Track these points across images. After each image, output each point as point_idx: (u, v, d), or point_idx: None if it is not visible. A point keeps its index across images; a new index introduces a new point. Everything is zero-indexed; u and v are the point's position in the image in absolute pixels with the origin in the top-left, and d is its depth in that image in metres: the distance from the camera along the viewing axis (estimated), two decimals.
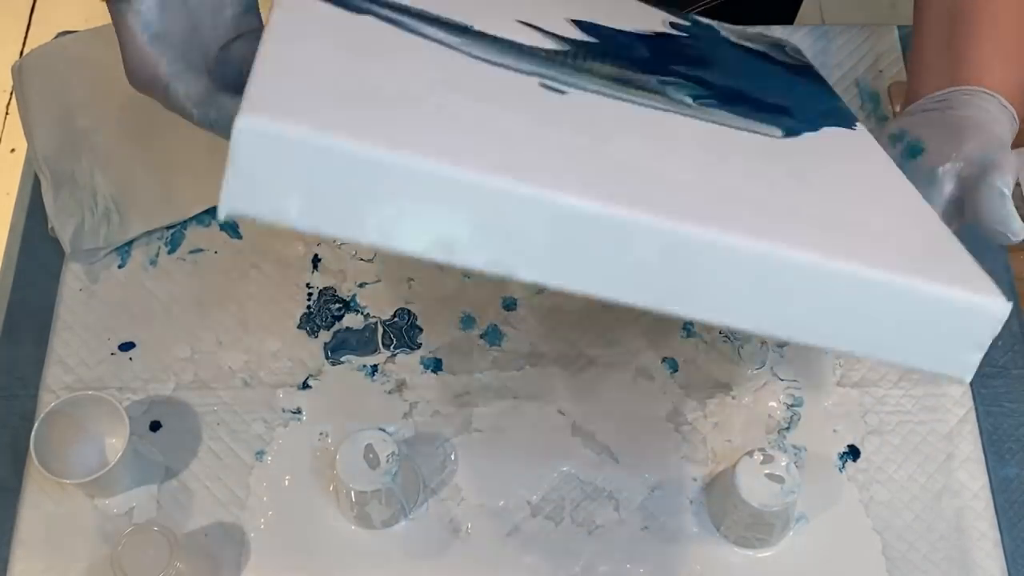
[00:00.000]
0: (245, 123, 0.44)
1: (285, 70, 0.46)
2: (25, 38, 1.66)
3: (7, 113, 1.58)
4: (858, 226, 0.49)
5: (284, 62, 0.47)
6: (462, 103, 0.49)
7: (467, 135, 0.47)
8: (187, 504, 0.72)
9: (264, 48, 0.47)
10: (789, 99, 0.64)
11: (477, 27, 0.56)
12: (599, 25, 0.62)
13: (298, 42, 0.49)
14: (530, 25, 0.60)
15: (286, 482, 0.72)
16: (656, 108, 0.55)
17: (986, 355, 0.76)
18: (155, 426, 0.74)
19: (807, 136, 0.59)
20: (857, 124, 0.64)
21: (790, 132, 0.58)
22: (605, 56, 0.60)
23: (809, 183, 0.52)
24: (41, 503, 0.72)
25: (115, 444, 0.71)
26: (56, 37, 0.86)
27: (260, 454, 0.73)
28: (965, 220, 0.60)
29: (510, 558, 0.70)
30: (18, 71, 0.84)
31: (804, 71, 0.70)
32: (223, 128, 0.56)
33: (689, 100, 0.58)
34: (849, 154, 0.60)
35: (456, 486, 0.72)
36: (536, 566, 0.70)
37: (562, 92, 0.54)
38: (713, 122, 0.56)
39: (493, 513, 0.71)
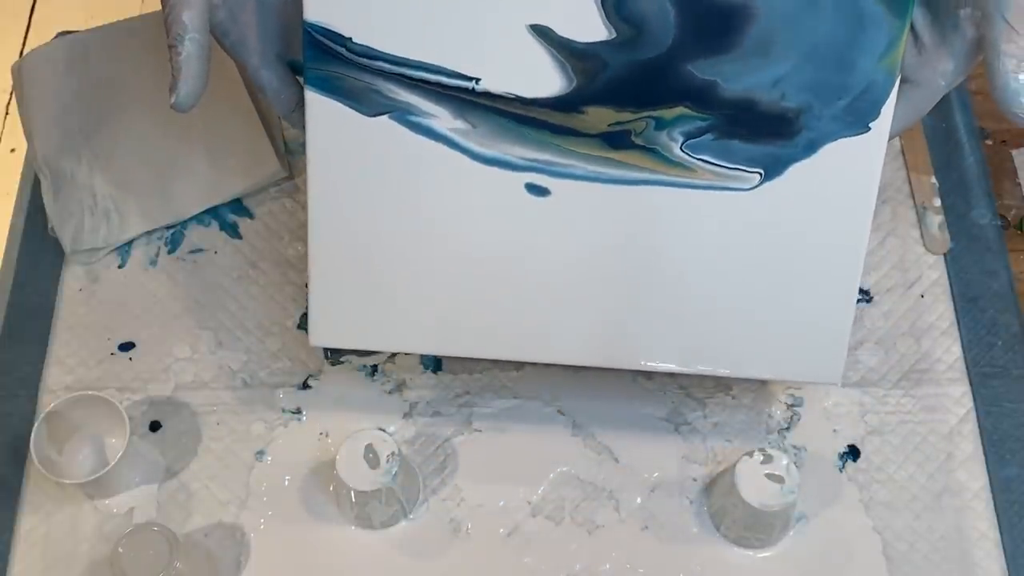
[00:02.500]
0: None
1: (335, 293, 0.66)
2: (25, 38, 1.66)
3: (7, 113, 1.58)
4: (749, 330, 0.66)
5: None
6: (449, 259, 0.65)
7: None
8: (187, 504, 0.72)
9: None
10: (816, 83, 0.61)
11: (481, 84, 0.62)
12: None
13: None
14: (543, 34, 0.61)
15: (286, 482, 0.72)
16: (636, 184, 0.63)
17: (986, 355, 0.77)
18: (155, 426, 0.74)
19: (788, 174, 0.62)
20: (877, 120, 0.61)
21: (772, 171, 0.63)
22: (611, 91, 0.61)
23: (738, 277, 0.65)
24: (41, 503, 0.72)
25: (115, 444, 0.71)
26: (56, 37, 0.86)
27: (260, 454, 0.73)
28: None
29: (510, 558, 0.70)
30: (18, 71, 0.84)
31: None
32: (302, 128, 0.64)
33: (677, 147, 0.62)
34: (818, 199, 0.63)
35: (456, 486, 0.72)
36: (536, 566, 0.70)
37: (546, 193, 0.64)
38: (686, 185, 0.63)
39: (493, 513, 0.71)
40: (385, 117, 0.63)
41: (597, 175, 0.63)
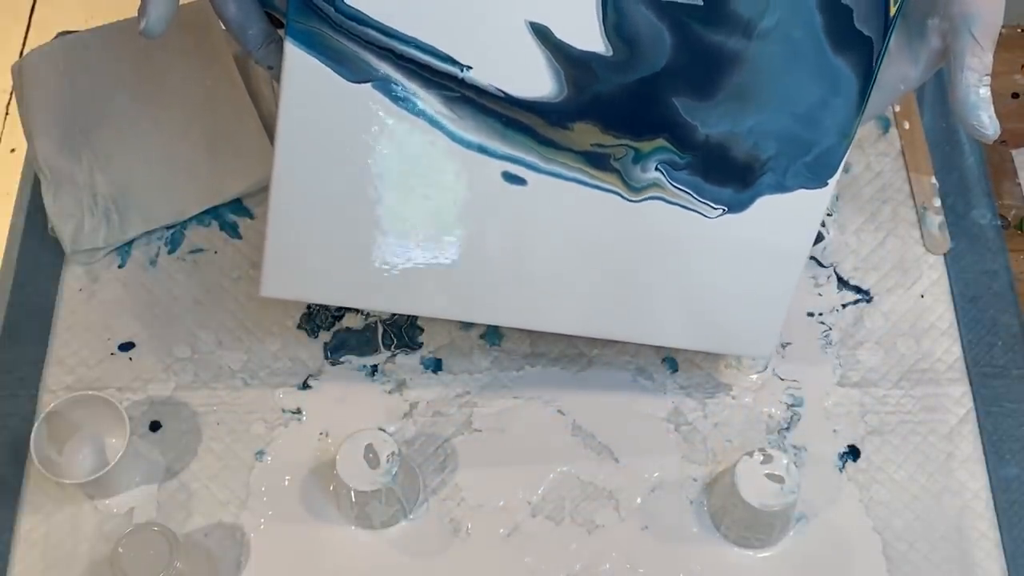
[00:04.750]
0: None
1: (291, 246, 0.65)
2: (25, 38, 1.65)
3: (7, 113, 1.58)
4: (696, 311, 0.69)
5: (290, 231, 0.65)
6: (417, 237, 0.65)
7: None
8: (187, 504, 0.72)
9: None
10: (787, 136, 0.64)
11: (472, 73, 0.61)
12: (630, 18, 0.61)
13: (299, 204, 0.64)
14: (541, 34, 0.60)
15: (286, 482, 0.72)
16: (609, 191, 0.65)
17: (986, 355, 0.77)
18: (155, 426, 0.74)
19: (750, 209, 0.66)
20: (833, 177, 0.65)
21: (735, 207, 0.66)
22: (599, 107, 0.62)
23: (693, 276, 0.68)
24: (41, 503, 0.72)
25: (115, 444, 0.71)
26: (56, 37, 0.86)
27: (260, 454, 0.73)
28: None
29: (510, 558, 0.70)
30: (18, 71, 0.84)
31: (852, 47, 0.62)
32: (277, 76, 0.62)
33: (651, 175, 0.64)
34: (770, 235, 0.67)
35: (456, 486, 0.72)
36: (536, 566, 0.70)
37: (522, 183, 0.64)
38: (660, 199, 0.65)
39: (493, 513, 0.71)
40: (368, 85, 0.61)
41: (575, 178, 0.64)
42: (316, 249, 0.65)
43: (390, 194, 0.64)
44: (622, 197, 0.65)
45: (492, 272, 0.67)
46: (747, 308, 0.69)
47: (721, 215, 0.66)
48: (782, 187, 0.65)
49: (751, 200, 0.66)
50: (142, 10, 0.60)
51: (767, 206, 0.66)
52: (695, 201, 0.65)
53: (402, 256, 0.66)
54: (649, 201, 0.65)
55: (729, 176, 0.65)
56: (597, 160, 0.64)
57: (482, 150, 0.63)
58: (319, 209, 0.64)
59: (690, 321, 0.69)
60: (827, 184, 0.65)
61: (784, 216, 0.66)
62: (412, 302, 0.67)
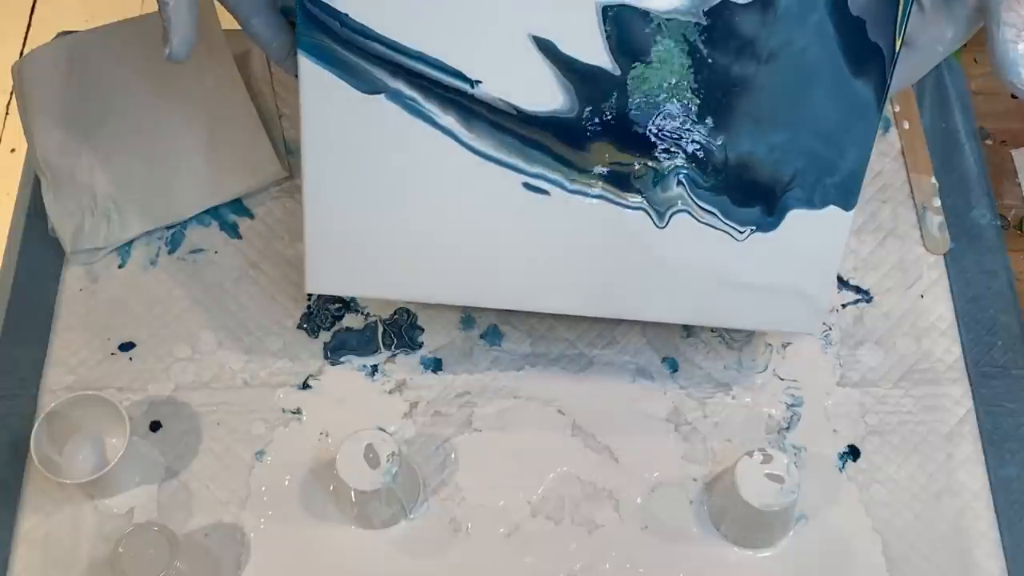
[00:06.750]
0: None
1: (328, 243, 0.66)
2: (25, 38, 1.66)
3: (7, 113, 1.58)
4: (744, 296, 0.68)
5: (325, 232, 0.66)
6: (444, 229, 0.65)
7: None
8: (187, 504, 0.72)
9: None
10: (810, 155, 0.64)
11: (482, 88, 0.61)
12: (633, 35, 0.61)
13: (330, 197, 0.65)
14: (546, 48, 0.60)
15: (286, 482, 0.72)
16: (636, 209, 0.65)
17: (986, 355, 0.77)
18: (155, 426, 0.74)
19: (779, 229, 0.66)
20: (856, 200, 0.65)
21: (764, 226, 0.66)
22: (614, 123, 0.62)
23: (730, 275, 0.68)
24: (41, 503, 0.72)
25: (115, 444, 0.71)
26: (56, 37, 0.86)
27: (260, 454, 0.73)
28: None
29: (510, 558, 0.70)
30: (18, 71, 0.84)
31: (868, 61, 0.62)
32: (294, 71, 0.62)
33: (673, 192, 0.64)
34: (801, 251, 0.67)
35: (456, 486, 0.72)
36: (536, 566, 0.70)
37: (544, 193, 0.64)
38: (686, 211, 0.65)
39: (493, 513, 0.71)
40: (381, 96, 0.61)
41: (600, 195, 0.64)
42: (351, 247, 0.66)
43: (414, 195, 0.65)
44: (649, 217, 0.65)
45: (528, 265, 0.67)
46: (788, 293, 0.68)
47: (750, 235, 0.66)
48: (811, 203, 0.65)
49: (779, 220, 0.65)
50: (165, 36, 0.60)
51: (797, 219, 0.65)
52: (722, 223, 0.65)
53: (430, 249, 0.66)
54: (676, 216, 0.65)
55: (755, 195, 0.64)
56: (618, 180, 0.64)
57: (503, 164, 0.63)
58: (350, 209, 0.65)
59: (734, 304, 0.69)
60: (852, 209, 0.65)
61: (815, 227, 0.66)
62: (443, 292, 0.68)
